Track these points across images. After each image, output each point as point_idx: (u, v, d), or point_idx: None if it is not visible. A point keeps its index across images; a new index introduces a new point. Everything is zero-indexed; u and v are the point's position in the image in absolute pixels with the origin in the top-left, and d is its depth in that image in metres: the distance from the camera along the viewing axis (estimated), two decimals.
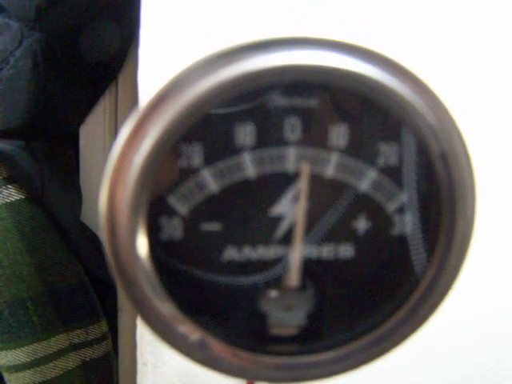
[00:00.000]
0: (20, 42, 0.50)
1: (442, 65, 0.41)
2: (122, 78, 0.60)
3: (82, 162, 0.61)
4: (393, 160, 0.26)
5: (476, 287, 0.45)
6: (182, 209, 0.26)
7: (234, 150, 0.25)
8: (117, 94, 0.61)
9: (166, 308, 0.25)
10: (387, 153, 0.26)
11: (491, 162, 0.44)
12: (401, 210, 0.27)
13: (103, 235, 0.24)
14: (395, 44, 0.39)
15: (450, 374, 0.46)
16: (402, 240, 0.27)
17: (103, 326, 0.57)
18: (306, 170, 0.25)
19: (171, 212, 0.26)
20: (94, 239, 0.58)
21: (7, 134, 0.51)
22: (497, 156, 0.45)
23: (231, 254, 0.27)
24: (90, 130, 0.61)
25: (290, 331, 0.28)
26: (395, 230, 0.27)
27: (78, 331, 0.55)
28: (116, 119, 0.62)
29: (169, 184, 0.25)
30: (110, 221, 0.24)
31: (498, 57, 0.43)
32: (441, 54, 0.42)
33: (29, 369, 0.53)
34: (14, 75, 0.50)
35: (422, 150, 0.25)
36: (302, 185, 0.26)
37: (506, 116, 0.44)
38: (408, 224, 0.27)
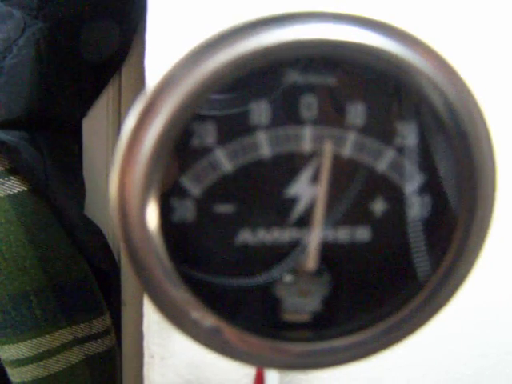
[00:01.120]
0: (23, 31, 0.49)
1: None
2: (125, 70, 0.59)
3: (85, 154, 0.60)
4: (411, 139, 0.25)
5: (472, 282, 0.44)
6: (195, 190, 0.25)
7: (248, 129, 0.24)
8: (120, 85, 0.61)
9: (178, 292, 0.25)
10: (406, 132, 0.25)
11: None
12: (419, 192, 0.26)
13: (114, 216, 0.23)
14: None
15: (443, 373, 0.45)
16: (420, 223, 0.27)
17: (107, 320, 0.56)
18: (328, 149, 0.25)
19: (183, 193, 0.25)
20: (97, 232, 0.58)
21: (10, 125, 0.51)
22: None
23: (245, 237, 0.26)
24: (93, 123, 0.60)
25: (305, 317, 0.27)
26: (413, 213, 0.27)
27: (82, 325, 0.54)
28: (119, 111, 0.61)
29: (182, 165, 0.25)
30: (121, 202, 0.23)
31: (498, 56, 0.42)
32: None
33: (32, 363, 0.52)
34: (17, 64, 0.50)
35: (442, 128, 0.24)
36: (325, 165, 0.25)
37: (507, 115, 0.44)
38: (426, 207, 0.27)
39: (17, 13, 0.49)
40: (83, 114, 0.58)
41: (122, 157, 0.23)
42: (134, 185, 0.23)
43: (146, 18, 0.38)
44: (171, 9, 0.38)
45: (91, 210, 0.58)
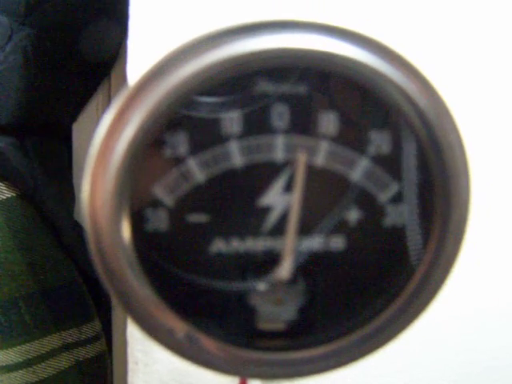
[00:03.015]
0: (10, 37, 0.49)
1: (441, 64, 0.41)
2: (114, 74, 0.59)
3: (74, 160, 0.60)
4: (385, 148, 0.25)
5: (472, 283, 0.44)
6: (168, 200, 0.25)
7: (220, 139, 0.24)
8: (110, 90, 0.60)
9: (152, 302, 0.24)
10: (379, 141, 0.25)
11: (489, 160, 0.44)
12: (394, 200, 0.26)
13: (86, 225, 0.23)
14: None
15: (446, 373, 0.45)
16: (396, 231, 0.27)
17: (96, 326, 0.56)
18: (302, 158, 0.24)
19: (156, 203, 0.25)
20: (87, 237, 0.57)
21: None
22: (495, 154, 0.44)
23: (219, 246, 0.26)
24: (82, 127, 0.60)
25: (280, 326, 0.27)
26: (388, 221, 0.27)
27: (71, 330, 0.54)
28: None
29: (154, 175, 0.25)
30: (92, 211, 0.23)
31: (498, 56, 0.42)
32: (440, 52, 0.41)
33: (21, 369, 0.52)
34: (4, 71, 0.50)
35: (414, 137, 0.24)
36: (298, 174, 0.25)
37: (506, 115, 0.43)
38: (401, 215, 0.26)
39: (3, 19, 0.49)
40: (73, 119, 0.58)
41: (93, 166, 0.23)
42: (105, 194, 0.23)
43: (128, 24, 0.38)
44: (153, 16, 0.38)
45: (81, 215, 0.58)
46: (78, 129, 0.60)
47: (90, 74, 0.57)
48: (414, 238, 0.26)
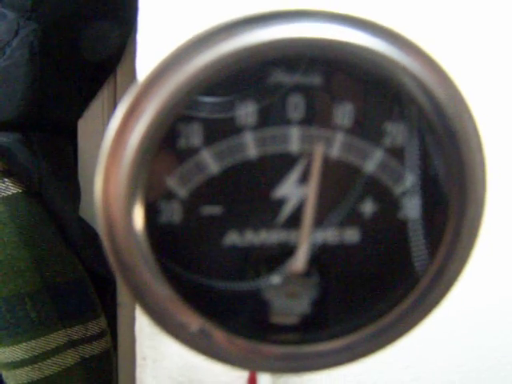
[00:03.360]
0: (16, 33, 0.49)
1: (458, 55, 0.41)
2: (120, 71, 0.59)
3: (80, 156, 0.60)
4: (400, 140, 0.25)
5: (481, 279, 0.44)
6: (182, 191, 0.25)
7: (235, 130, 0.24)
8: (115, 86, 0.60)
9: (165, 295, 0.24)
10: (394, 132, 0.25)
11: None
12: (409, 193, 0.26)
13: (99, 218, 0.23)
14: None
15: (455, 368, 0.45)
16: (410, 225, 0.26)
17: (102, 322, 0.56)
18: (319, 150, 0.24)
19: (170, 195, 0.25)
20: (92, 234, 0.57)
21: (4, 127, 0.50)
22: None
23: (233, 238, 0.26)
24: (88, 124, 0.60)
25: (294, 319, 0.27)
26: (402, 214, 0.26)
27: (77, 327, 0.54)
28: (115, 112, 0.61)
29: (168, 166, 0.24)
30: (106, 204, 0.23)
31: (487, 56, 0.42)
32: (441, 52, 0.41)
33: (27, 365, 0.52)
34: (10, 66, 0.49)
35: (431, 129, 0.24)
36: (315, 166, 0.24)
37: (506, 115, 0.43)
38: (416, 207, 0.26)
39: (10, 14, 0.49)
40: (78, 115, 0.58)
41: (107, 158, 0.23)
42: (119, 186, 0.23)
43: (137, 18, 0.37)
44: (162, 9, 0.37)
45: (86, 211, 0.58)
46: (83, 125, 0.59)
47: (96, 70, 0.57)
48: (428, 231, 0.26)
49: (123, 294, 0.58)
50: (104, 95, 0.60)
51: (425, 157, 0.26)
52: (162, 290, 0.24)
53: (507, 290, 0.45)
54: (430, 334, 0.44)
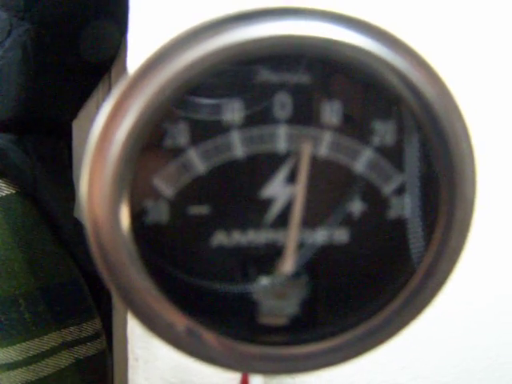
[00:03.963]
0: (9, 33, 0.49)
1: (447, 53, 0.40)
2: (115, 71, 0.59)
3: (74, 157, 0.60)
4: (389, 139, 0.25)
5: (476, 278, 0.44)
6: (168, 191, 0.24)
7: (221, 129, 0.24)
8: (110, 86, 0.60)
9: (151, 295, 0.24)
10: (383, 131, 0.25)
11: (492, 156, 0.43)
12: (398, 193, 0.26)
13: (84, 218, 0.23)
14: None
15: (451, 369, 0.45)
16: (399, 224, 0.26)
17: (97, 324, 0.56)
18: (307, 149, 0.24)
19: (157, 194, 0.24)
20: (87, 234, 0.57)
21: None
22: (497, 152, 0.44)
23: (220, 238, 0.26)
24: (82, 124, 0.60)
25: (283, 320, 0.26)
26: (392, 214, 0.26)
27: (71, 328, 0.54)
28: None
29: (154, 166, 0.24)
30: (91, 203, 0.23)
31: (477, 54, 0.42)
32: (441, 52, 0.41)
33: (21, 367, 0.52)
34: (3, 67, 0.49)
35: (420, 128, 0.24)
36: (303, 165, 0.24)
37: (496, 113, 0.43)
38: (405, 207, 0.26)
39: (2, 14, 0.49)
40: (73, 115, 0.58)
41: (92, 156, 0.22)
42: (104, 185, 0.22)
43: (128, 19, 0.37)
44: (153, 8, 0.37)
45: (81, 212, 0.57)
46: (78, 126, 0.59)
47: (90, 70, 0.57)
48: (418, 231, 0.26)
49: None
50: (99, 95, 0.60)
51: (414, 156, 0.25)
52: (148, 291, 0.24)
53: (502, 289, 0.45)
54: (425, 334, 0.44)
